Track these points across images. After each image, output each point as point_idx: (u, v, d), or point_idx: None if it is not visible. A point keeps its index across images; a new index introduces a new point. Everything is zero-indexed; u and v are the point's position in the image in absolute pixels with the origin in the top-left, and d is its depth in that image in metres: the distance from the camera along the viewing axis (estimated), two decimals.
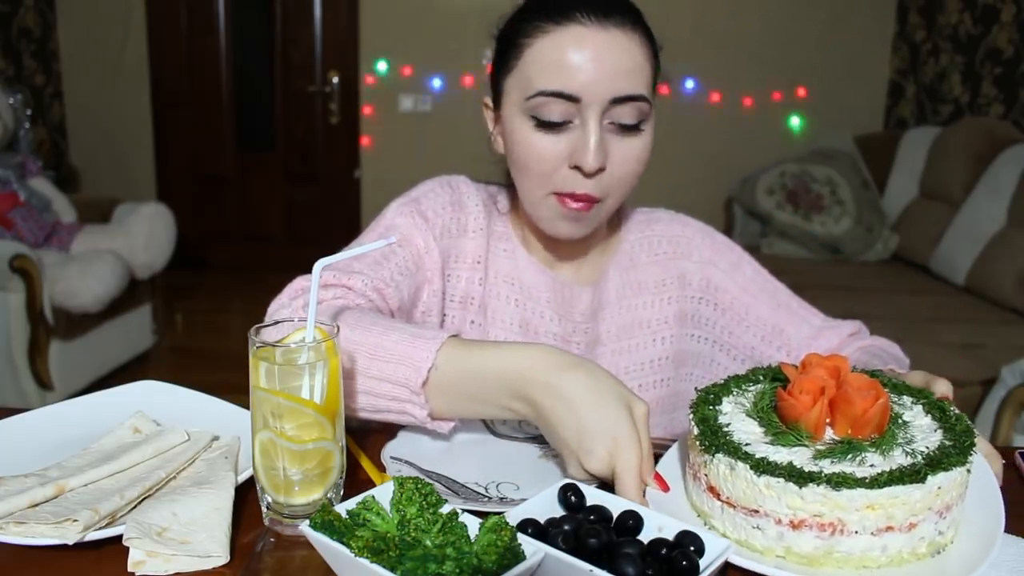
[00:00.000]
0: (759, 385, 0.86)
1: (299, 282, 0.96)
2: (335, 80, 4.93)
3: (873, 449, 0.72)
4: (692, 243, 1.19)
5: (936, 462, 0.69)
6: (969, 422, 0.76)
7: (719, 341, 1.18)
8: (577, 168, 0.98)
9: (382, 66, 4.82)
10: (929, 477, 0.67)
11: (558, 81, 0.96)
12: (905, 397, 0.82)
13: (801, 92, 4.80)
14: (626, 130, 0.99)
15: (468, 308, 1.11)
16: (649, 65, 1.00)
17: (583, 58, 0.95)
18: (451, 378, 0.83)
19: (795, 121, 4.81)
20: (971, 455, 0.71)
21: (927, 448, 0.72)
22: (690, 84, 4.73)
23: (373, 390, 0.85)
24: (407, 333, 0.85)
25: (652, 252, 1.18)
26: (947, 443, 0.72)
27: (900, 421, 0.77)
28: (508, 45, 1.02)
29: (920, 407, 0.80)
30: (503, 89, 1.03)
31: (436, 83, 4.79)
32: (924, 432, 0.76)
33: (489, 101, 1.08)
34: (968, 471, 0.71)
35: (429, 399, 0.84)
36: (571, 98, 0.96)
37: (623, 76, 0.96)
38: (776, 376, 0.85)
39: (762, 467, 0.69)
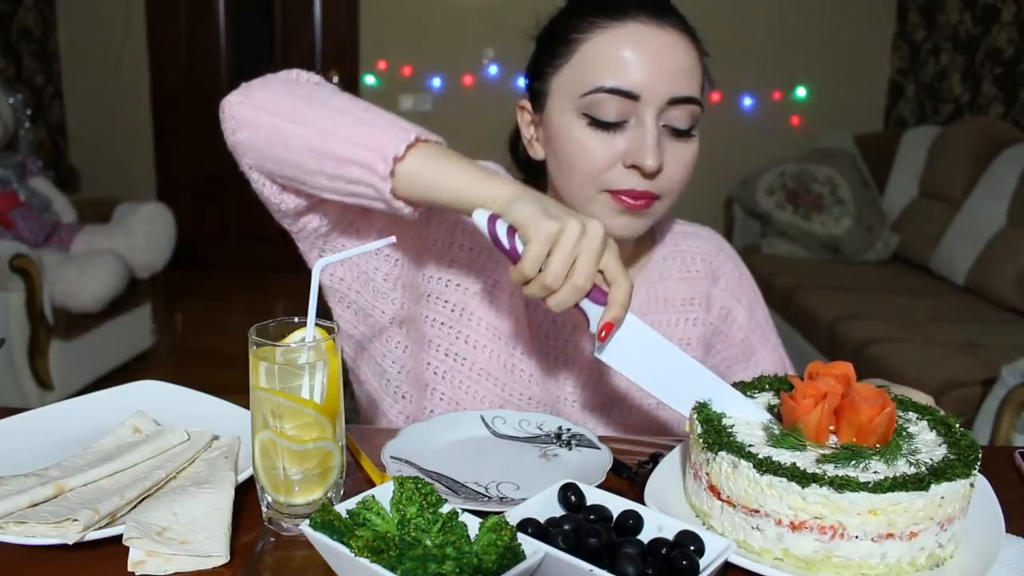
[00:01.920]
0: (765, 393, 0.86)
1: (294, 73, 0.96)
2: (335, 80, 4.93)
3: (877, 457, 0.72)
4: (722, 269, 1.18)
5: (940, 472, 0.69)
6: (974, 438, 0.76)
7: (716, 370, 1.17)
8: (634, 167, 0.96)
9: (382, 66, 4.82)
10: (933, 486, 0.67)
11: (617, 77, 0.94)
12: (911, 413, 0.82)
13: (801, 92, 4.80)
14: (678, 134, 0.97)
15: (472, 290, 1.07)
16: (700, 70, 0.99)
17: (643, 56, 0.94)
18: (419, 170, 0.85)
19: (801, 92, 4.79)
20: (975, 469, 0.71)
21: (931, 460, 0.72)
22: None
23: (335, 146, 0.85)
24: (384, 118, 0.86)
25: (684, 268, 1.16)
26: (951, 456, 0.73)
27: (905, 433, 0.77)
28: (557, 42, 1.00)
29: (925, 423, 0.80)
30: (549, 89, 1.01)
31: (436, 83, 4.79)
32: (929, 445, 0.76)
33: (527, 104, 1.06)
34: (972, 485, 0.71)
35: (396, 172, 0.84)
36: (629, 95, 0.94)
37: (680, 77, 0.95)
38: (782, 386, 0.85)
39: (765, 466, 0.69)
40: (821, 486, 0.66)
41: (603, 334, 0.81)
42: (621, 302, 0.81)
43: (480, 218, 0.82)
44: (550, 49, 1.01)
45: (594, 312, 0.83)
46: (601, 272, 0.81)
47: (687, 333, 1.14)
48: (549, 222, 0.78)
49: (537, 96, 1.03)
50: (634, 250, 1.13)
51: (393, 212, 0.87)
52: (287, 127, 0.87)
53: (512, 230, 0.81)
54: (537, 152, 1.06)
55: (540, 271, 0.79)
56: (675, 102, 0.95)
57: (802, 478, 0.67)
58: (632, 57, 0.94)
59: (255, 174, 0.94)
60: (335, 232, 1.00)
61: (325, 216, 0.98)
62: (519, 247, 0.81)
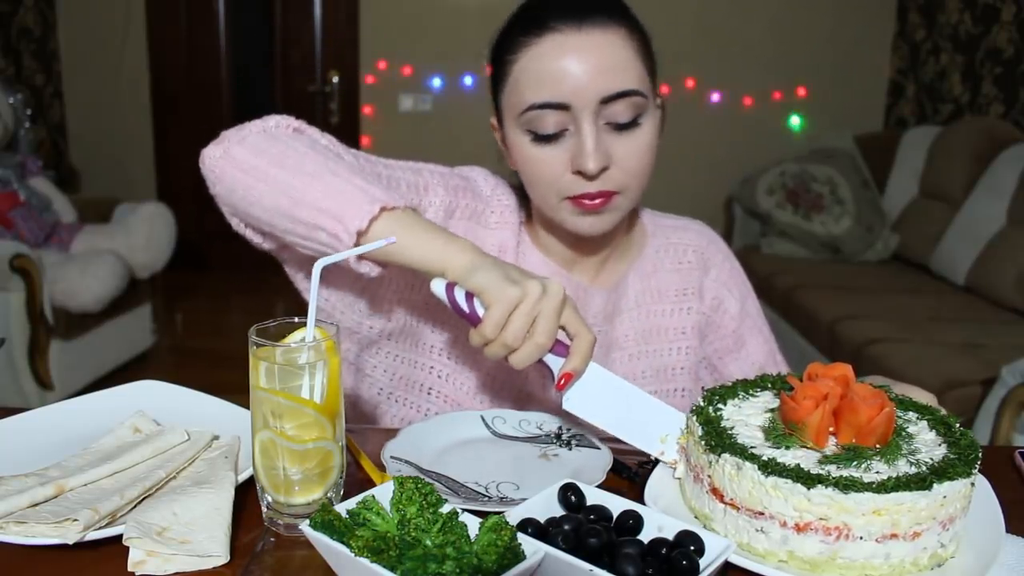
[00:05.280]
0: (766, 391, 0.86)
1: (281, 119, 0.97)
2: (335, 80, 4.92)
3: (878, 458, 0.72)
4: (713, 261, 1.19)
5: (942, 472, 0.69)
6: (973, 438, 0.76)
7: (708, 360, 1.19)
8: (580, 173, 0.97)
9: (382, 66, 4.82)
10: (935, 485, 0.67)
11: (545, 92, 0.96)
12: (910, 413, 0.82)
13: (801, 92, 4.80)
14: (623, 128, 0.98)
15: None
16: (639, 57, 0.99)
17: (565, 64, 0.96)
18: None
19: (795, 121, 4.82)
20: (975, 468, 0.71)
21: (931, 459, 0.72)
22: (690, 84, 4.72)
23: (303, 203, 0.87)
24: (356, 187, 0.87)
25: (676, 260, 1.17)
26: (951, 456, 0.73)
27: (904, 433, 0.77)
28: (497, 64, 1.04)
29: (925, 422, 0.80)
30: (501, 107, 1.04)
31: (436, 83, 4.79)
32: (928, 445, 0.76)
33: (494, 121, 1.09)
34: (972, 484, 0.71)
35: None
36: (561, 106, 0.96)
37: (609, 74, 0.96)
38: (783, 387, 0.85)
39: (770, 468, 0.69)
40: (826, 487, 0.66)
41: (562, 382, 0.84)
42: (582, 354, 0.84)
43: (438, 288, 0.86)
44: (495, 71, 1.04)
45: (557, 364, 0.86)
46: (564, 328, 0.84)
47: (682, 323, 1.16)
48: (511, 288, 0.81)
49: (498, 114, 1.06)
50: (627, 245, 1.15)
51: (360, 273, 0.90)
52: (261, 188, 0.90)
53: (471, 294, 0.84)
54: (512, 164, 1.08)
55: (501, 331, 0.82)
56: (608, 100, 0.96)
57: (807, 479, 0.67)
58: (555, 69, 0.96)
59: (235, 221, 0.99)
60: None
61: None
62: (479, 310, 0.84)
